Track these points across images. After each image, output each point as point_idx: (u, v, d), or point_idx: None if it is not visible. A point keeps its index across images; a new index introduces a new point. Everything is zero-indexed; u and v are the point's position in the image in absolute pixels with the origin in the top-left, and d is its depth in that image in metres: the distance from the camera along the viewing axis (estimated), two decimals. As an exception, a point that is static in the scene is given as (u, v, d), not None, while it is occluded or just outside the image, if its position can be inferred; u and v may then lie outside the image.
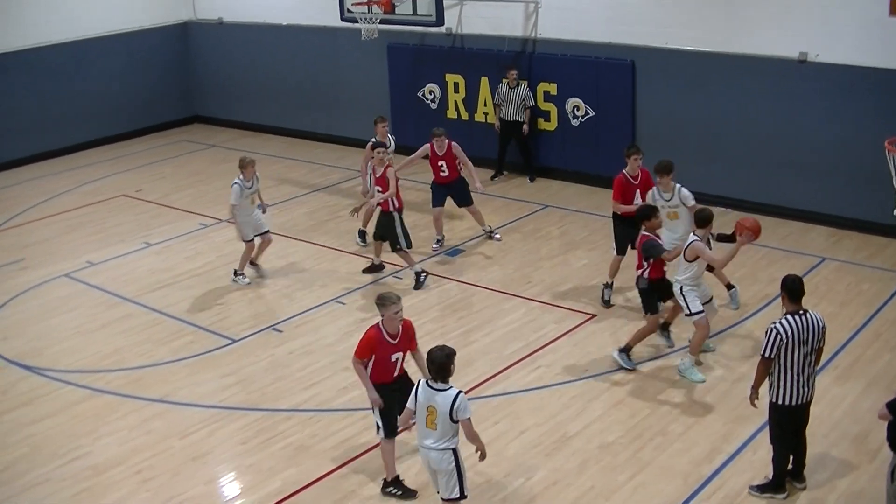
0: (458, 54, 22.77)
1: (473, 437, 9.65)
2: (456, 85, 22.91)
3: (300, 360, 14.28)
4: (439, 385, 9.46)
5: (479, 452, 9.86)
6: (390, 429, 10.83)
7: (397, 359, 10.84)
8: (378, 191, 16.45)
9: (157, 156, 26.17)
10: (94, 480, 11.64)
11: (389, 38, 23.17)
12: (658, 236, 13.25)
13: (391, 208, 16.41)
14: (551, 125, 21.55)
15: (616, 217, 15.46)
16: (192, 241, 19.35)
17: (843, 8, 17.25)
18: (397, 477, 11.14)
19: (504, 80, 21.29)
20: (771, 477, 10.59)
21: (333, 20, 22.88)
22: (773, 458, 10.54)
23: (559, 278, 16.55)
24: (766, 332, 10.01)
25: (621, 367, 13.49)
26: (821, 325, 10.09)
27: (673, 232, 14.38)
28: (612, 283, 15.62)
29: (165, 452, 12.13)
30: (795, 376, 10.03)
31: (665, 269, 13.30)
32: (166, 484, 11.51)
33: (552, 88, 21.27)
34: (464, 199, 18.24)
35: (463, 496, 9.76)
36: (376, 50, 23.54)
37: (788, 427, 10.39)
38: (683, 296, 12.95)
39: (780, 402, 10.19)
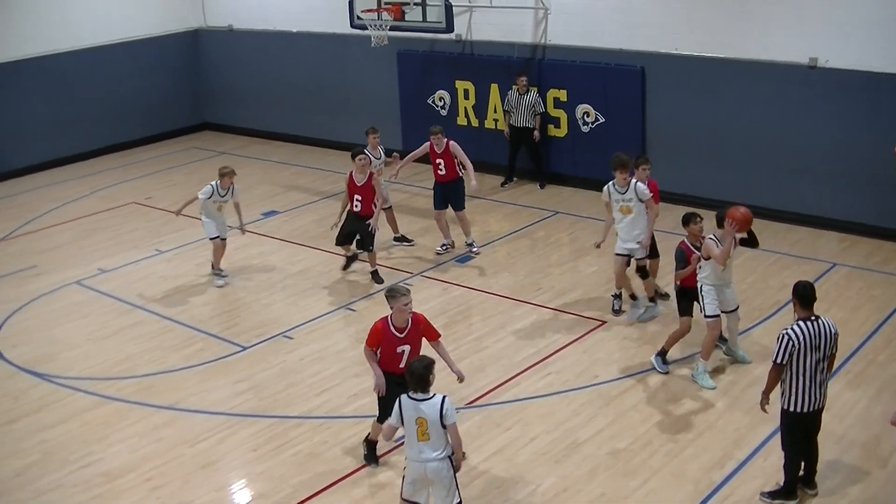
0: (468, 61, 22.79)
1: (459, 443, 9.68)
2: (466, 91, 22.92)
3: (311, 367, 14.29)
4: (420, 395, 9.44)
5: (456, 460, 9.84)
6: (384, 415, 10.77)
7: (403, 351, 10.95)
8: (358, 200, 16.85)
9: (168, 163, 26.22)
10: (105, 487, 11.66)
11: (399, 44, 23.19)
12: (703, 240, 13.08)
13: (372, 213, 16.83)
14: (561, 131, 21.55)
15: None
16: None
17: (854, 13, 17.24)
18: (375, 443, 11.60)
19: (514, 87, 21.31)
20: (782, 483, 10.57)
21: (343, 27, 22.92)
22: (784, 464, 10.51)
23: (569, 285, 16.55)
24: (778, 339, 9.99)
25: (655, 370, 13.56)
26: (833, 331, 10.06)
27: (625, 228, 14.69)
28: (621, 293, 15.62)
29: (176, 460, 12.14)
30: (807, 383, 10.00)
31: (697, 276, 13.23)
32: (177, 491, 11.52)
33: (562, 95, 21.28)
34: (456, 203, 18.15)
35: (461, 501, 9.78)
36: (386, 57, 23.57)
37: (799, 434, 10.35)
38: (702, 295, 13.01)
39: (791, 408, 10.15)
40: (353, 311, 16.03)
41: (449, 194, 18.07)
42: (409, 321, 10.94)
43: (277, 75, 27.21)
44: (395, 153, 18.76)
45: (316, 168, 24.26)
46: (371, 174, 16.92)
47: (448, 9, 20.52)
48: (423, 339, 11.20)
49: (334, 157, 25.08)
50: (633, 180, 14.53)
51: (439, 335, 11.31)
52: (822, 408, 10.30)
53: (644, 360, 13.80)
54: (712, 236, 12.77)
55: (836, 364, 12.96)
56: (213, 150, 27.26)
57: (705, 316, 13.00)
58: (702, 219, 13.28)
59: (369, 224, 16.77)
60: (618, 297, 15.48)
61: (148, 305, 16.87)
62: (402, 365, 10.82)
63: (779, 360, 9.99)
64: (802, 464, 10.59)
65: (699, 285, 13.02)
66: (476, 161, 22.35)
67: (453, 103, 23.23)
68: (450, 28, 20.87)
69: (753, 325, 14.59)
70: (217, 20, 28.42)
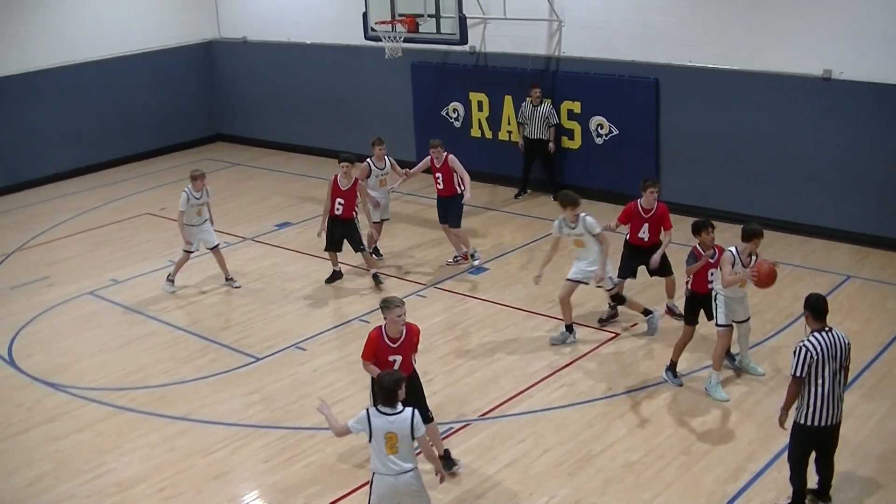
0: (482, 73, 22.80)
1: (432, 456, 9.78)
2: (479, 103, 22.93)
3: (323, 379, 14.28)
4: (389, 410, 9.42)
5: (437, 470, 9.98)
6: None
7: (395, 360, 11.04)
8: (340, 203, 17.25)
9: (181, 174, 26.14)
10: (117, 497, 11.66)
11: (413, 56, 23.22)
12: (720, 248, 13.04)
13: (353, 216, 17.40)
14: (575, 143, 21.54)
15: (626, 242, 15.50)
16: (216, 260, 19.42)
17: (868, 26, 17.21)
18: None
19: (528, 99, 21.32)
20: (791, 497, 10.48)
21: (357, 39, 22.95)
22: (791, 478, 10.40)
23: (582, 297, 16.47)
24: (795, 352, 9.89)
25: (668, 382, 13.54)
26: (846, 342, 10.00)
27: (581, 259, 14.78)
28: (616, 305, 15.69)
29: (188, 470, 12.14)
30: (825, 395, 9.89)
31: (710, 284, 13.18)
32: (189, 501, 11.52)
33: (576, 106, 21.27)
34: (450, 220, 18.07)
35: None
36: (400, 68, 23.61)
37: (813, 448, 10.26)
38: (716, 304, 12.98)
39: (808, 422, 10.01)
40: (367, 322, 16.01)
41: (447, 209, 18.05)
42: (403, 332, 11.03)
43: (291, 87, 27.27)
44: (406, 170, 18.69)
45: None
46: (356, 180, 17.34)
47: (462, 21, 20.53)
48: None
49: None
50: (583, 215, 14.53)
51: (417, 351, 11.45)
52: (840, 423, 10.20)
53: (658, 373, 13.77)
54: (733, 250, 12.67)
55: (851, 376, 12.98)
56: (226, 162, 27.32)
57: (717, 325, 12.98)
58: (714, 228, 13.22)
59: (353, 225, 17.35)
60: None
61: (161, 316, 16.90)
62: None
63: (798, 374, 9.88)
64: (817, 477, 10.54)
65: (713, 293, 12.99)
66: (490, 173, 22.49)
67: (467, 115, 23.24)
68: (464, 40, 20.87)
69: (767, 338, 14.54)
70: (231, 32, 28.51)
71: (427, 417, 11.38)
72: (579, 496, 11.13)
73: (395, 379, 9.45)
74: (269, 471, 12.05)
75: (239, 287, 17.94)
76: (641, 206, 15.07)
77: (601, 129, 21.03)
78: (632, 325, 15.40)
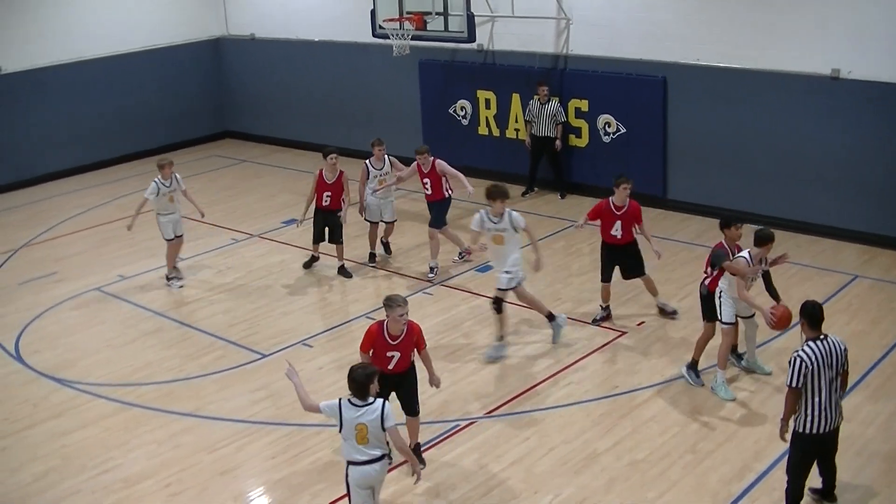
0: (490, 70, 22.80)
1: (403, 447, 9.86)
2: (487, 101, 22.93)
3: (330, 376, 14.28)
4: (360, 402, 9.57)
5: (412, 464, 10.17)
6: None
7: (393, 356, 11.22)
8: (328, 195, 17.65)
9: (189, 171, 26.22)
10: (123, 493, 11.69)
11: (421, 54, 23.22)
12: (739, 248, 12.99)
13: (340, 208, 17.72)
14: (582, 141, 21.53)
15: (602, 244, 15.45)
16: (223, 256, 19.44)
17: (876, 25, 17.19)
18: None
19: (535, 97, 21.31)
20: None
21: (365, 36, 22.99)
22: (787, 489, 10.32)
23: (589, 295, 16.50)
24: (790, 362, 9.82)
25: (688, 382, 13.50)
26: (842, 348, 9.92)
27: (498, 257, 14.56)
28: (607, 305, 15.75)
29: (194, 467, 12.17)
30: (823, 403, 9.82)
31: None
32: (195, 498, 11.55)
33: (583, 105, 21.26)
34: (434, 220, 17.96)
35: None
36: (408, 66, 23.61)
37: (813, 457, 10.20)
38: (720, 301, 12.95)
39: (807, 430, 9.94)
40: (373, 319, 15.94)
41: (434, 212, 17.96)
42: (404, 330, 11.17)
43: (299, 84, 27.29)
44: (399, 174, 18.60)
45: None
46: (341, 172, 17.74)
47: (470, 18, 20.57)
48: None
49: (355, 165, 25.06)
50: (509, 210, 14.44)
51: (425, 345, 11.58)
52: (838, 427, 10.14)
53: (664, 371, 13.78)
54: (746, 255, 12.62)
55: (857, 376, 13.02)
56: (234, 159, 27.35)
57: (722, 322, 12.96)
58: (743, 225, 13.13)
59: (339, 216, 17.69)
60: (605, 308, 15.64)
61: (168, 312, 16.93)
62: (390, 367, 11.22)
63: (794, 384, 9.81)
64: (821, 478, 10.51)
65: (718, 292, 12.95)
66: (497, 171, 22.49)
67: (475, 113, 23.24)
68: (471, 38, 20.91)
69: (773, 338, 14.50)
70: (239, 29, 28.53)
71: (414, 410, 11.69)
72: (584, 495, 11.14)
73: (367, 373, 9.62)
74: (275, 467, 12.06)
75: (182, 283, 18.15)
76: (613, 204, 15.11)
77: (608, 127, 21.01)
78: (639, 324, 15.39)
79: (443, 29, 21.08)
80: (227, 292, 17.69)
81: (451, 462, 11.91)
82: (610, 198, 15.16)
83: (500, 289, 14.57)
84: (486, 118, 23.08)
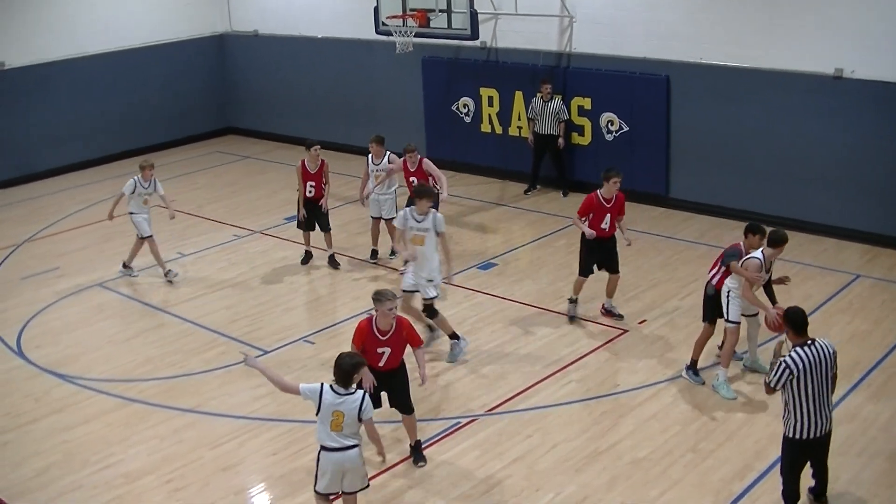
0: (493, 68, 22.79)
1: (377, 438, 10.01)
2: (490, 99, 22.93)
3: (332, 373, 14.23)
4: (342, 390, 9.73)
5: (380, 456, 10.38)
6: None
7: (383, 352, 11.30)
8: (311, 185, 18.09)
9: (192, 167, 26.33)
10: (125, 488, 11.70)
11: (424, 51, 23.21)
12: (750, 256, 12.92)
13: (322, 196, 18.19)
14: (585, 140, 21.53)
15: (581, 236, 15.34)
16: (226, 252, 19.45)
17: (880, 24, 17.18)
18: None
19: (538, 94, 21.30)
20: None
21: (368, 33, 22.98)
22: (783, 492, 10.31)
23: (592, 293, 16.46)
24: (777, 366, 9.83)
25: (689, 382, 13.49)
26: (831, 351, 9.86)
27: (419, 267, 14.22)
28: (576, 299, 15.68)
29: (196, 462, 12.17)
30: (812, 408, 9.79)
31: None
32: (196, 493, 11.55)
33: (586, 103, 21.26)
34: None
35: (367, 486, 10.24)
36: (411, 63, 23.61)
37: (804, 461, 10.18)
38: (728, 300, 12.93)
39: (797, 436, 9.92)
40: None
41: None
42: (394, 326, 11.26)
43: (302, 81, 27.29)
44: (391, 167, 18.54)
45: (339, 173, 24.22)
46: (323, 162, 18.15)
47: (473, 16, 20.56)
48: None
49: (358, 162, 25.06)
50: (434, 211, 14.31)
51: (421, 342, 11.79)
52: (830, 432, 10.10)
53: (666, 370, 13.79)
54: (760, 255, 12.60)
55: (858, 376, 13.02)
56: (237, 155, 27.36)
57: (728, 321, 12.94)
58: (766, 237, 12.94)
59: (321, 206, 18.00)
60: (573, 301, 15.65)
61: (170, 308, 16.94)
62: (381, 364, 11.32)
63: (773, 386, 9.86)
64: (814, 480, 10.50)
65: (726, 290, 12.94)
66: (500, 168, 22.54)
67: (477, 110, 23.23)
68: (475, 35, 20.91)
69: (774, 337, 14.47)
70: (243, 25, 28.54)
71: (409, 409, 11.74)
72: (586, 493, 11.14)
73: (353, 362, 9.76)
74: (276, 463, 12.07)
75: (136, 276, 18.38)
76: (603, 197, 15.00)
77: (611, 125, 21.01)
78: (640, 322, 15.39)
79: (446, 26, 21.08)
80: (229, 288, 17.70)
81: (452, 459, 11.92)
82: (598, 191, 15.04)
83: (427, 299, 14.39)
84: (489, 116, 23.08)
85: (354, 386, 9.79)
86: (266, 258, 18.99)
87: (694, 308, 14.39)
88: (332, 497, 10.20)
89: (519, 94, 22.29)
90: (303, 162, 18.11)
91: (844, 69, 17.74)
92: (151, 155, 26.72)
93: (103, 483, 11.82)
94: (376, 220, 18.60)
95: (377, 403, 11.17)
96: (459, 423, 12.75)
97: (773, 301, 12.92)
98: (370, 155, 18.44)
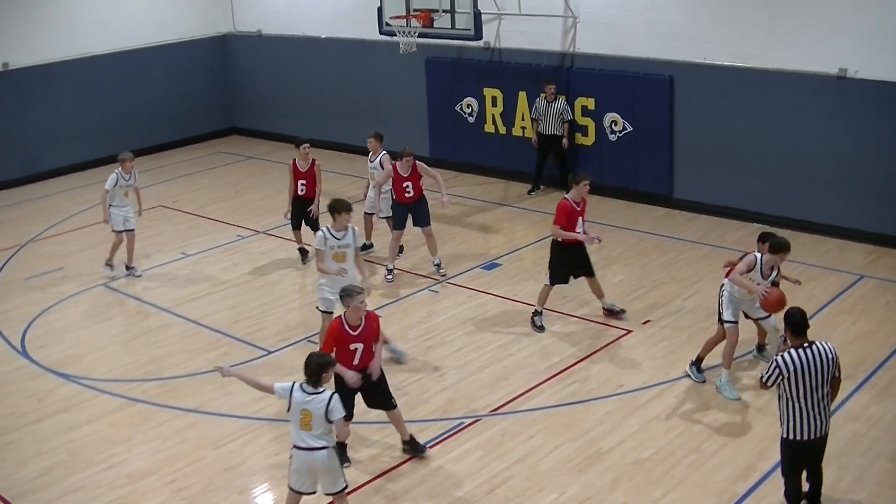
0: (496, 68, 22.79)
1: (345, 437, 10.03)
2: (494, 99, 22.92)
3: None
4: (311, 389, 9.79)
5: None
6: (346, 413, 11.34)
7: (356, 348, 11.38)
8: (303, 184, 18.24)
9: (195, 167, 26.35)
10: (128, 489, 11.70)
11: (428, 51, 23.20)
12: (749, 253, 12.97)
13: (314, 195, 18.31)
14: (589, 140, 21.51)
15: (556, 245, 15.24)
16: (229, 253, 19.45)
17: (884, 24, 17.16)
18: (342, 444, 11.61)
19: (542, 95, 21.28)
20: None
21: (372, 34, 22.97)
22: (785, 492, 10.33)
23: (592, 294, 16.50)
24: (770, 363, 9.88)
25: (691, 378, 13.50)
26: (831, 355, 9.81)
27: (336, 279, 13.77)
28: (542, 310, 15.53)
29: (199, 462, 12.18)
30: (807, 409, 9.79)
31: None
32: (199, 494, 11.55)
33: (590, 103, 21.24)
34: (422, 220, 17.81)
35: (346, 486, 10.20)
36: (414, 63, 23.60)
37: (802, 461, 10.19)
38: (721, 300, 12.95)
39: (792, 436, 9.95)
40: (380, 316, 15.97)
41: (414, 213, 17.70)
42: (363, 320, 11.36)
43: (306, 81, 27.29)
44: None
45: (342, 174, 24.24)
46: (313, 161, 18.34)
47: (477, 16, 20.56)
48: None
49: (362, 162, 25.06)
50: (352, 225, 14.11)
51: (380, 339, 11.86)
52: (826, 434, 10.08)
53: (670, 370, 13.77)
54: (758, 256, 12.56)
55: (863, 377, 13.01)
56: (240, 155, 27.36)
57: (724, 321, 12.93)
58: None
59: (311, 210, 18.20)
60: (539, 313, 15.51)
61: (173, 308, 16.93)
62: (354, 362, 11.37)
63: (765, 381, 9.92)
64: (808, 484, 10.48)
65: (721, 289, 12.93)
66: (503, 169, 22.55)
67: (481, 111, 23.23)
68: (478, 35, 20.90)
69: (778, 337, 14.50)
70: (246, 25, 28.54)
71: (390, 404, 11.83)
72: (589, 493, 11.13)
73: (322, 362, 9.86)
74: (279, 464, 12.03)
75: (140, 276, 18.44)
76: (574, 202, 14.91)
77: (615, 125, 21.00)
78: (644, 323, 15.38)
79: (450, 26, 21.08)
80: (232, 288, 17.70)
81: (455, 459, 11.92)
82: (568, 196, 14.93)
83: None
84: (493, 116, 23.07)
85: (324, 387, 9.85)
86: (269, 258, 19.00)
87: (698, 308, 14.39)
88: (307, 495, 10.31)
89: (522, 95, 22.28)
90: (294, 161, 18.33)
91: (848, 69, 17.72)
92: (154, 155, 26.97)
93: (106, 483, 11.83)
94: (369, 215, 18.78)
95: (349, 410, 11.24)
96: (462, 423, 12.75)
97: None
98: (371, 153, 18.50)
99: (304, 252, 18.68)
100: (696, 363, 13.52)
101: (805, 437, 9.91)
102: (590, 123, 21.38)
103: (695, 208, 20.12)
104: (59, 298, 17.61)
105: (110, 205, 17.99)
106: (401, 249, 18.31)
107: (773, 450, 11.52)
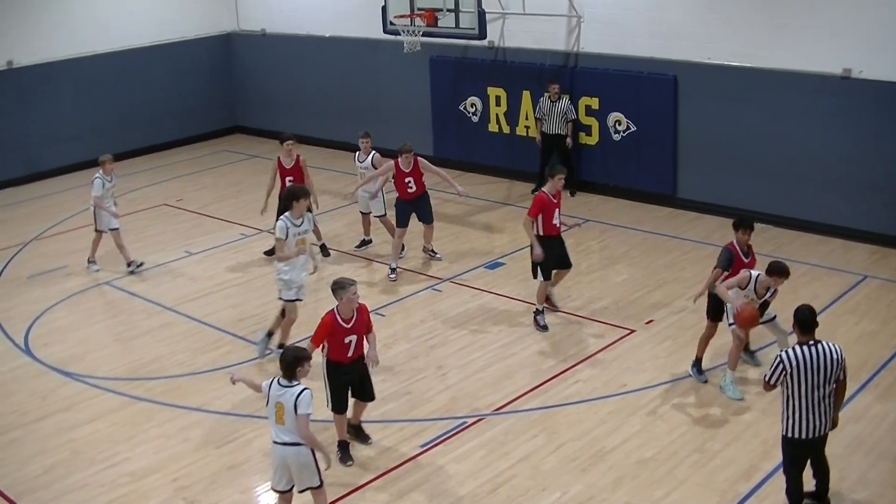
0: (500, 68, 22.78)
1: (306, 435, 9.88)
2: (498, 98, 22.91)
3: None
4: (285, 382, 9.89)
5: (323, 462, 10.16)
6: (337, 404, 11.78)
7: (350, 341, 11.53)
8: (290, 180, 18.07)
9: (199, 166, 26.35)
10: (131, 487, 11.70)
11: (432, 50, 23.20)
12: (750, 248, 13.14)
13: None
14: (592, 139, 21.50)
15: (538, 238, 15.22)
16: (233, 251, 19.45)
17: (888, 24, 17.14)
18: (345, 442, 12.04)
19: (546, 94, 21.26)
20: None
21: (376, 32, 22.99)
22: (786, 490, 10.33)
23: (598, 293, 16.51)
24: (773, 359, 9.90)
25: (693, 378, 13.50)
26: (836, 356, 9.79)
27: (300, 266, 14.26)
28: (543, 309, 15.57)
29: (202, 460, 12.18)
30: (808, 407, 9.79)
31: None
32: (202, 492, 11.55)
33: (594, 103, 21.22)
34: (426, 217, 18.00)
35: (322, 483, 10.21)
36: (418, 62, 23.60)
37: (802, 460, 10.18)
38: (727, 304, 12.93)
39: (791, 434, 9.95)
40: (383, 315, 16.02)
41: (418, 209, 17.84)
42: (355, 312, 11.49)
43: (309, 80, 27.29)
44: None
45: (346, 173, 24.19)
46: (298, 157, 18.41)
47: (481, 15, 20.57)
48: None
49: (365, 162, 25.16)
50: (310, 213, 14.40)
51: (372, 329, 11.95)
52: (826, 435, 10.07)
53: (673, 370, 13.76)
54: (754, 274, 12.52)
55: (866, 377, 12.99)
56: (244, 154, 27.36)
57: (730, 324, 12.94)
58: (752, 231, 13.10)
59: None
60: (540, 312, 15.54)
61: (177, 307, 16.94)
62: (349, 354, 11.56)
63: (768, 380, 9.93)
64: (814, 481, 10.48)
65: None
66: (507, 168, 22.53)
67: (485, 110, 23.22)
68: (482, 34, 20.90)
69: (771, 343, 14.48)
70: (250, 24, 28.55)
71: (372, 396, 12.16)
72: (592, 492, 11.13)
73: (296, 355, 9.95)
74: (282, 463, 12.07)
75: (141, 268, 18.68)
76: (550, 194, 15.11)
77: (619, 125, 20.98)
78: (647, 322, 15.37)
79: (454, 26, 21.08)
80: (235, 287, 17.70)
81: (458, 459, 11.91)
82: (544, 189, 15.20)
83: (293, 300, 14.48)
84: (497, 115, 23.06)
85: (299, 382, 9.91)
86: (272, 257, 18.98)
87: (701, 308, 14.33)
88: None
89: (526, 94, 22.27)
90: (279, 158, 18.48)
91: (852, 69, 17.70)
92: (158, 154, 27.01)
93: (109, 481, 11.83)
94: (365, 215, 18.90)
95: (341, 405, 11.74)
96: (466, 422, 12.75)
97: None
98: (358, 152, 18.55)
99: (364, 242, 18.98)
100: (696, 364, 13.51)
101: (804, 436, 9.91)
102: (593, 123, 21.37)
103: (698, 208, 20.11)
104: (62, 297, 17.62)
105: (94, 206, 18.24)
106: (402, 248, 18.29)
107: (776, 450, 11.50)
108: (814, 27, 17.99)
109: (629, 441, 12.12)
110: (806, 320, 9.87)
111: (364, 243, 19.03)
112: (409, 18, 21.20)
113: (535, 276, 15.38)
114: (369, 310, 12.02)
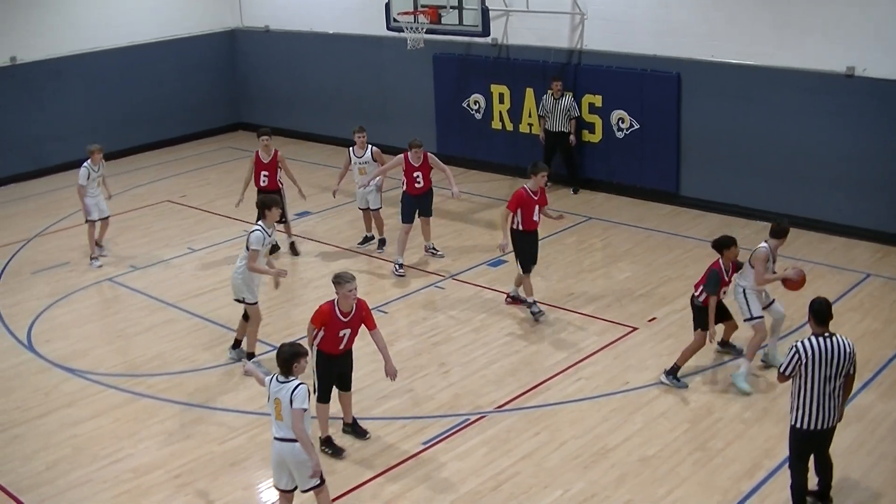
0: (504, 65, 22.77)
1: (299, 430, 9.85)
2: (501, 95, 22.91)
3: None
4: (282, 378, 9.93)
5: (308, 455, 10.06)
6: (324, 395, 11.84)
7: (345, 335, 11.66)
8: (265, 175, 18.54)
9: (202, 162, 26.35)
10: (133, 483, 11.72)
11: (435, 47, 23.20)
12: (734, 265, 13.14)
13: (279, 187, 18.64)
14: (596, 137, 21.49)
15: (517, 233, 15.46)
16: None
17: (892, 22, 17.13)
18: (329, 437, 12.09)
19: (549, 92, 21.26)
20: None
21: (379, 29, 22.97)
22: (791, 484, 10.35)
23: (601, 291, 16.51)
24: (789, 350, 9.92)
25: (671, 387, 13.40)
26: (849, 350, 9.85)
27: (256, 276, 14.33)
28: (534, 301, 15.69)
29: (204, 457, 12.20)
30: (817, 399, 9.83)
31: (723, 295, 13.18)
32: (205, 488, 11.57)
33: (597, 100, 21.22)
34: (427, 211, 18.13)
35: (323, 482, 10.18)
36: (422, 59, 23.59)
37: (808, 453, 10.21)
38: (746, 299, 13.04)
39: (800, 425, 9.99)
40: (385, 312, 16.03)
41: (422, 205, 17.96)
42: (354, 307, 11.57)
43: (313, 76, 27.29)
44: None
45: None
46: (276, 152, 18.63)
47: (485, 12, 20.55)
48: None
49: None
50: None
51: (376, 326, 11.94)
52: (834, 427, 10.12)
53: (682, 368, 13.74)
54: (766, 246, 12.68)
55: (868, 375, 13.00)
56: (247, 150, 27.27)
57: (751, 318, 13.04)
58: (734, 247, 13.04)
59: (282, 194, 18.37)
60: (534, 303, 15.69)
61: (180, 303, 16.95)
62: (341, 347, 11.68)
63: (783, 371, 9.96)
64: (817, 479, 10.49)
65: (741, 290, 12.99)
66: (510, 165, 22.52)
67: (488, 107, 23.21)
68: (486, 32, 20.89)
69: (787, 335, 14.44)
70: (254, 21, 28.54)
71: (350, 386, 12.26)
72: (594, 490, 11.14)
73: (292, 352, 9.96)
74: (284, 459, 12.08)
75: (106, 256, 19.01)
76: (531, 190, 15.28)
77: (622, 123, 20.98)
78: (650, 320, 15.37)
79: (457, 23, 21.06)
80: (239, 284, 17.70)
81: (461, 456, 11.93)
82: (525, 186, 15.38)
83: (249, 303, 14.49)
84: (500, 112, 23.06)
85: (295, 378, 9.94)
86: (276, 253, 18.99)
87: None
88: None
89: (530, 91, 22.26)
90: (256, 153, 18.67)
91: (856, 68, 17.69)
92: (162, 150, 27.01)
93: (112, 477, 11.85)
94: (364, 210, 18.95)
95: (326, 395, 11.87)
96: (468, 419, 12.76)
97: (726, 318, 13.49)
98: (353, 147, 18.56)
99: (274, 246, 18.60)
100: (672, 372, 13.41)
101: (812, 427, 9.95)
102: (597, 120, 21.37)
103: (701, 206, 20.11)
104: (66, 293, 17.63)
105: (85, 198, 18.57)
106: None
107: (779, 448, 11.56)
108: (817, 26, 17.99)
109: (631, 439, 12.13)
110: (821, 312, 9.96)
111: (367, 240, 19.04)
112: (412, 15, 21.19)
113: (523, 271, 15.57)
114: (371, 308, 12.03)
